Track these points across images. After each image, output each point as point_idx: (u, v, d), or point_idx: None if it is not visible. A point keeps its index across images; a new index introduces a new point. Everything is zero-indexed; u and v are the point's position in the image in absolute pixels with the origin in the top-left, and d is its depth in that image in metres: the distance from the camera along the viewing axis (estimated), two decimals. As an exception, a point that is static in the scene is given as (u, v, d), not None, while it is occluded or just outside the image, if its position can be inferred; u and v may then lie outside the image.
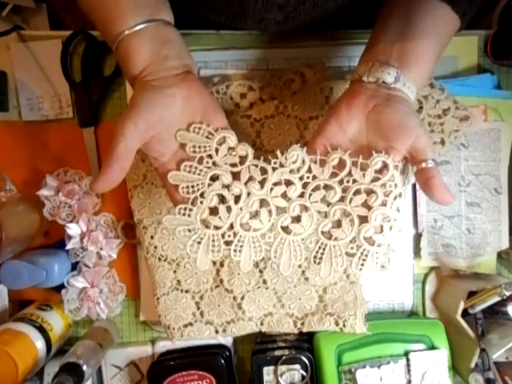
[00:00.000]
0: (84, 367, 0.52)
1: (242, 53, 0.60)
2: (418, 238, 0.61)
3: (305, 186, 0.43)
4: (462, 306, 0.55)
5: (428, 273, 0.63)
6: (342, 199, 0.43)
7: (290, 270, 0.44)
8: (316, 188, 0.43)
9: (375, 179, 0.42)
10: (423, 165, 0.41)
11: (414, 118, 0.42)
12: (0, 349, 0.51)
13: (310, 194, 0.43)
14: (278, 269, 0.46)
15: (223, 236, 0.43)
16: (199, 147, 0.44)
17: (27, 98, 0.61)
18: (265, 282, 0.57)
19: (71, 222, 0.59)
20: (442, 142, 0.57)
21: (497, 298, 0.53)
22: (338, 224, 0.43)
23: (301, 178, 0.43)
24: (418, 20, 0.44)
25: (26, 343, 0.54)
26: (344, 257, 0.43)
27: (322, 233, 0.43)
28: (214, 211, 0.43)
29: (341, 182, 0.43)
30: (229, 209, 0.43)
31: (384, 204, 0.42)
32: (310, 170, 0.43)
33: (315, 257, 0.44)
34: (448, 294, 0.60)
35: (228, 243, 0.43)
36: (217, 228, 0.43)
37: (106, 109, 0.61)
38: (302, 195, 0.43)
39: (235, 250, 0.43)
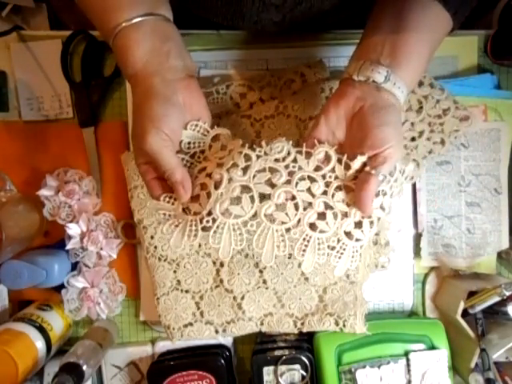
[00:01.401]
0: (84, 367, 0.52)
1: (242, 53, 0.60)
2: (418, 237, 0.61)
3: (290, 174, 0.43)
4: (461, 306, 0.55)
5: (428, 273, 0.63)
6: (324, 193, 0.43)
7: (272, 260, 0.44)
8: (302, 178, 0.43)
9: (355, 178, 0.42)
10: (373, 171, 0.41)
11: (390, 129, 0.42)
12: (0, 349, 0.51)
13: (297, 183, 0.43)
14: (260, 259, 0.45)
15: (201, 221, 0.43)
16: (194, 143, 0.45)
17: (27, 98, 0.61)
18: (265, 282, 0.57)
19: (71, 222, 0.59)
20: (442, 142, 0.57)
21: (497, 298, 0.53)
22: (322, 216, 0.43)
23: (286, 167, 0.43)
24: (409, 18, 0.44)
25: (26, 343, 0.54)
26: (326, 250, 0.43)
27: (308, 224, 0.43)
28: (196, 199, 0.44)
29: (324, 176, 0.43)
30: (208, 194, 0.43)
31: None
32: (295, 161, 0.43)
33: (299, 248, 0.43)
34: (448, 294, 0.60)
35: (206, 229, 0.43)
36: (196, 214, 0.43)
37: (106, 109, 0.61)
38: (288, 182, 0.43)
39: (213, 237, 0.43)
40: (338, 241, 0.43)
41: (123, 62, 0.44)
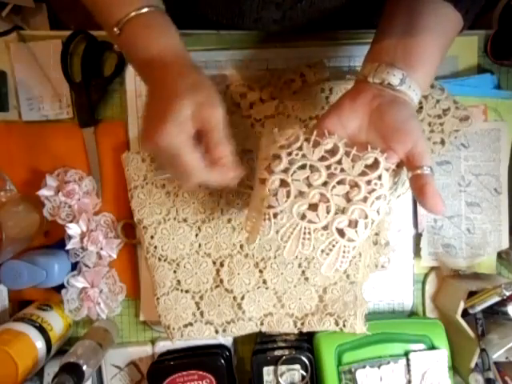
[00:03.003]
0: (84, 367, 0.52)
1: (242, 53, 0.60)
2: (418, 238, 0.61)
3: (291, 162, 0.42)
4: (461, 306, 0.55)
5: (428, 273, 0.63)
6: (324, 184, 0.42)
7: (293, 255, 0.42)
8: (302, 167, 0.42)
9: (363, 173, 0.41)
10: (419, 171, 0.41)
11: (415, 122, 0.42)
12: (0, 349, 0.51)
13: (294, 172, 0.42)
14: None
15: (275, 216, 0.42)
16: None
17: (27, 98, 0.61)
18: (265, 282, 0.57)
19: (71, 222, 0.59)
20: (442, 142, 0.57)
21: (497, 298, 0.53)
22: (314, 207, 0.42)
23: (289, 154, 0.42)
24: (420, 19, 0.44)
25: (26, 343, 0.54)
26: (312, 241, 0.42)
27: (297, 213, 0.42)
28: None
29: (328, 167, 0.42)
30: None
31: (364, 200, 0.41)
32: (300, 148, 0.42)
33: (283, 234, 0.42)
34: (448, 293, 0.60)
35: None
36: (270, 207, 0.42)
37: (106, 109, 0.61)
38: (285, 171, 0.42)
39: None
40: (328, 236, 0.42)
41: (137, 47, 0.43)
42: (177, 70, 0.42)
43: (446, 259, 0.61)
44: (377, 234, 0.58)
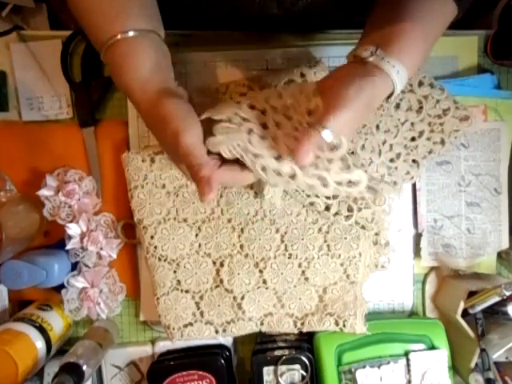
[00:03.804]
0: (84, 367, 0.52)
1: (242, 53, 0.60)
2: (418, 237, 0.61)
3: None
4: (461, 306, 0.55)
5: (428, 273, 0.63)
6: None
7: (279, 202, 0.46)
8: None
9: None
10: (316, 126, 0.39)
11: (351, 88, 0.40)
12: (0, 349, 0.51)
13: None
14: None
15: None
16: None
17: (27, 98, 0.61)
18: (265, 281, 0.57)
19: (71, 222, 0.59)
20: (442, 142, 0.57)
21: (497, 298, 0.53)
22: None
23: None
24: (405, 5, 0.43)
25: (26, 343, 0.54)
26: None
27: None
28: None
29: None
30: None
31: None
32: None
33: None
34: (448, 294, 0.60)
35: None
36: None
37: (106, 109, 0.61)
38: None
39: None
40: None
41: (125, 69, 0.44)
42: (143, 107, 0.44)
43: (446, 259, 0.61)
44: (377, 234, 0.58)
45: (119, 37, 0.42)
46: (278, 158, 0.42)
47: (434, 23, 0.45)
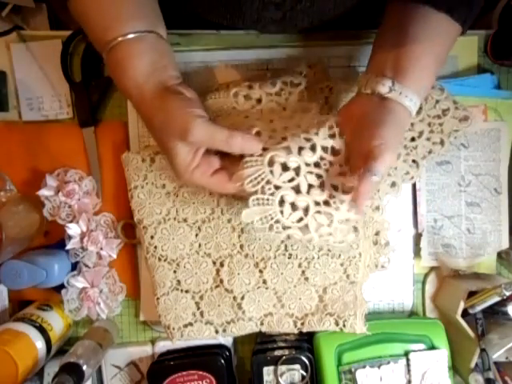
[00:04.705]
0: (84, 367, 0.52)
1: (242, 53, 0.60)
2: (418, 237, 0.61)
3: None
4: (461, 306, 0.55)
5: (428, 273, 0.63)
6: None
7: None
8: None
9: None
10: (367, 174, 0.41)
11: (385, 128, 0.43)
12: (0, 349, 0.51)
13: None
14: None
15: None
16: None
17: (27, 98, 0.61)
18: (265, 282, 0.57)
19: (71, 222, 0.59)
20: (442, 143, 0.57)
21: (497, 298, 0.53)
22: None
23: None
24: (413, 29, 0.45)
25: (26, 343, 0.54)
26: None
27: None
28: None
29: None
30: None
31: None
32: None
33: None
34: (448, 294, 0.60)
35: None
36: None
37: (105, 109, 0.61)
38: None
39: None
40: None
41: (122, 74, 0.45)
42: (143, 109, 0.45)
43: (446, 259, 0.61)
44: (377, 234, 0.58)
45: (118, 40, 0.43)
46: (304, 229, 0.46)
47: (442, 44, 0.47)
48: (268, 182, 0.45)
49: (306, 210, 0.46)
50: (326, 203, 0.46)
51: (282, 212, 0.46)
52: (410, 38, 0.44)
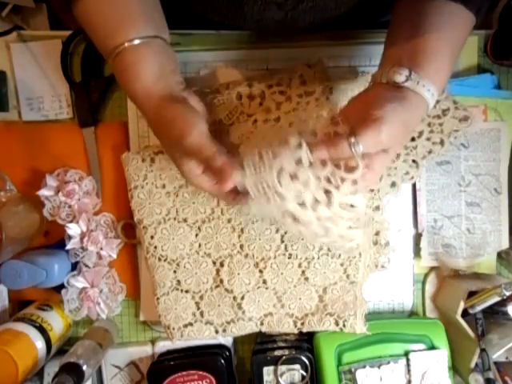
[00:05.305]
0: (84, 367, 0.52)
1: (242, 53, 0.60)
2: (418, 237, 0.61)
3: None
4: (461, 306, 0.55)
5: (428, 273, 0.63)
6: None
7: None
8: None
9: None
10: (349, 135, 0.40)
11: (390, 110, 0.40)
12: (0, 349, 0.51)
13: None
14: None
15: None
16: None
17: (27, 98, 0.61)
18: (265, 282, 0.57)
19: (71, 222, 0.59)
20: (442, 143, 0.57)
21: (497, 298, 0.53)
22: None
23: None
24: (427, 20, 0.44)
25: (26, 343, 0.54)
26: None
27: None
28: None
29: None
30: None
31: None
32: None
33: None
34: (448, 294, 0.60)
35: None
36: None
37: (105, 109, 0.61)
38: None
39: None
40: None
41: (130, 79, 0.45)
42: (148, 115, 0.46)
43: (446, 259, 0.61)
44: (377, 234, 0.58)
45: (124, 46, 0.43)
46: (302, 204, 0.43)
47: (457, 35, 0.46)
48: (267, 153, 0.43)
49: (306, 184, 0.43)
50: (328, 180, 0.43)
51: (279, 182, 0.43)
52: (424, 30, 0.43)
